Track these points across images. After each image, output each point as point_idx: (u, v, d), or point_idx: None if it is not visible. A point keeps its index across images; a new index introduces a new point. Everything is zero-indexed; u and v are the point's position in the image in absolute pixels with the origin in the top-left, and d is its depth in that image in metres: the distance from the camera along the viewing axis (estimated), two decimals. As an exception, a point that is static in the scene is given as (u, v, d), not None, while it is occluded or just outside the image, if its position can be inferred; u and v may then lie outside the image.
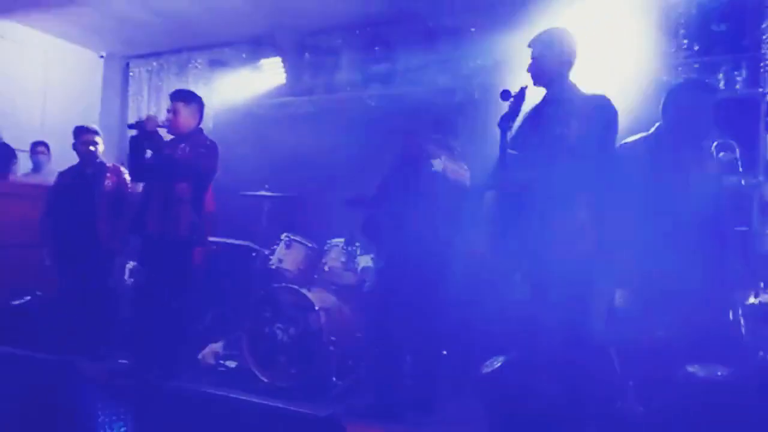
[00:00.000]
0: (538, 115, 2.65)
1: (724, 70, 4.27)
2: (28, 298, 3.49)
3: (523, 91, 2.55)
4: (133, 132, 3.66)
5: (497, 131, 2.70)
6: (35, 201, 4.29)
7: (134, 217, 3.61)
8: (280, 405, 2.11)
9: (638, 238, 2.53)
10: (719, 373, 2.02)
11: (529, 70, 2.68)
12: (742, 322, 2.51)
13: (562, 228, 2.34)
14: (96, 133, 4.31)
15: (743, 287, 3.00)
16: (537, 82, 2.67)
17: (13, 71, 6.25)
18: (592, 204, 2.39)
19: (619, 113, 3.31)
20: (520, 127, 2.69)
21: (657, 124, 2.97)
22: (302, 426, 1.93)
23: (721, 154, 2.78)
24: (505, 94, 2.55)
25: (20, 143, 5.79)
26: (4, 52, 6.21)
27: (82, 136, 4.26)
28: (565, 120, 2.46)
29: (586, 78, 3.26)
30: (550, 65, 2.62)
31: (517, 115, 2.56)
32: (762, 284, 3.17)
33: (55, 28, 6.42)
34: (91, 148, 4.21)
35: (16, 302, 3.52)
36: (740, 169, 3.06)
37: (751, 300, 2.75)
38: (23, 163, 5.74)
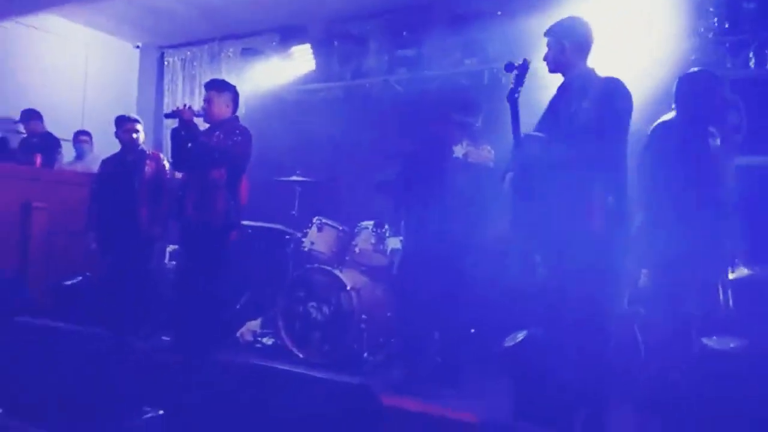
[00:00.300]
0: (557, 101, 2.73)
1: (753, 47, 4.23)
2: (80, 278, 3.74)
3: (525, 63, 2.65)
4: (172, 122, 3.84)
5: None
6: (85, 188, 4.54)
7: (174, 202, 3.79)
8: (317, 374, 2.27)
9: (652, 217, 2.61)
10: (732, 345, 2.09)
11: (545, 59, 2.75)
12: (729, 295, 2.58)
13: (576, 207, 2.42)
14: (137, 121, 4.50)
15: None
16: (552, 69, 2.75)
17: (56, 63, 6.53)
18: (606, 182, 2.46)
19: (648, 93, 3.38)
20: (543, 115, 2.78)
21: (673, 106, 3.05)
22: (336, 392, 2.08)
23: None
24: (509, 67, 2.66)
25: (63, 132, 6.06)
26: (48, 45, 6.48)
27: (125, 124, 4.46)
28: (579, 102, 2.53)
29: (615, 59, 3.30)
30: (564, 53, 2.70)
31: (521, 87, 2.66)
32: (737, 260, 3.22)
33: (94, 21, 6.66)
34: (134, 135, 4.41)
35: (69, 282, 3.77)
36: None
37: (731, 275, 2.82)
38: (67, 152, 6.01)
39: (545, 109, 2.82)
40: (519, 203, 2.63)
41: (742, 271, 2.76)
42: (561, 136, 2.56)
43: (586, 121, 2.51)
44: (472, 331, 3.89)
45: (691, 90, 3.00)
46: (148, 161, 4.42)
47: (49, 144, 5.63)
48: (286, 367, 2.35)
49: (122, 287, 4.04)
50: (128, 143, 4.45)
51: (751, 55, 4.25)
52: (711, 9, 4.33)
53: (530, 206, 2.55)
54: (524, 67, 2.67)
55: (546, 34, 2.79)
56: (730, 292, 2.61)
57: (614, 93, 2.54)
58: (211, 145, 3.70)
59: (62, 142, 5.98)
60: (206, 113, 3.84)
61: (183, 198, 3.72)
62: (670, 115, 3.11)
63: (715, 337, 2.17)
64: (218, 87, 3.92)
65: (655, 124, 3.11)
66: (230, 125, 3.85)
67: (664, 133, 2.93)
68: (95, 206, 4.39)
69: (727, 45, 4.29)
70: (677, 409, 2.16)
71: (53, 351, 2.82)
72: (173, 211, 3.83)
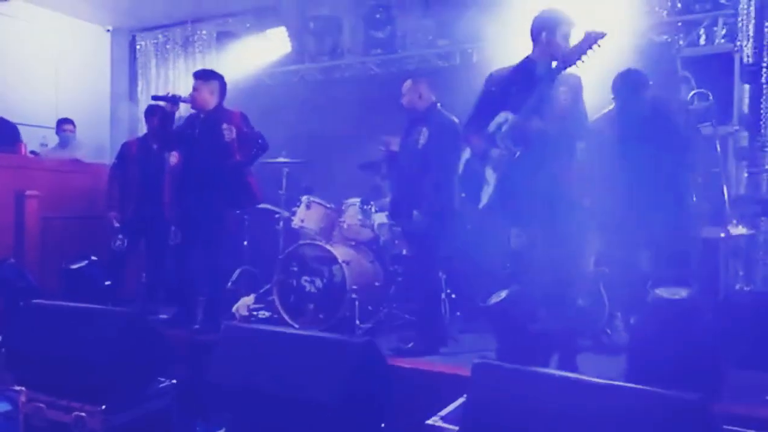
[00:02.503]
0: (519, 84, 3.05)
1: (704, 26, 4.59)
2: (85, 262, 3.94)
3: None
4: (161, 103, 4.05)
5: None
6: (86, 176, 4.71)
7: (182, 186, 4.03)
8: (323, 335, 2.55)
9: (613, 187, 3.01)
10: (681, 294, 2.46)
11: None
12: None
13: (547, 179, 2.78)
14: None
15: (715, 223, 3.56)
16: None
17: (26, 50, 6.48)
18: (568, 158, 2.81)
19: (605, 73, 3.72)
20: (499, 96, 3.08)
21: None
22: (341, 348, 2.36)
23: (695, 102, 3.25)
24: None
25: (37, 119, 6.09)
26: (17, 31, 6.43)
27: (159, 113, 4.59)
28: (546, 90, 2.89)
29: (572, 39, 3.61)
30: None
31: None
32: (735, 221, 3.67)
33: (62, 5, 6.63)
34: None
35: (75, 266, 3.97)
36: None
37: (722, 234, 3.27)
38: (49, 139, 6.04)
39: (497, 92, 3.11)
40: (504, 177, 2.95)
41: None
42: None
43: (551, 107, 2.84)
44: (453, 296, 4.25)
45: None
46: (173, 151, 4.58)
47: (5, 130, 5.59)
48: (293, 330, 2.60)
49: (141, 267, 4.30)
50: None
51: (701, 32, 4.62)
52: (665, -11, 4.67)
53: (510, 182, 2.87)
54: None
55: None
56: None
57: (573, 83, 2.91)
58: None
59: (35, 129, 6.01)
60: (193, 100, 4.04)
61: (185, 184, 3.94)
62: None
63: (665, 288, 2.54)
64: (204, 76, 4.10)
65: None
66: (226, 114, 4.06)
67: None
68: (116, 187, 4.61)
69: (680, 24, 4.65)
70: (636, 349, 2.54)
71: (70, 329, 3.01)
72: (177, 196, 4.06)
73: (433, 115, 3.76)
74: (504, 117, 2.96)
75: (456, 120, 3.67)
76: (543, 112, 2.86)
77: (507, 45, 4.10)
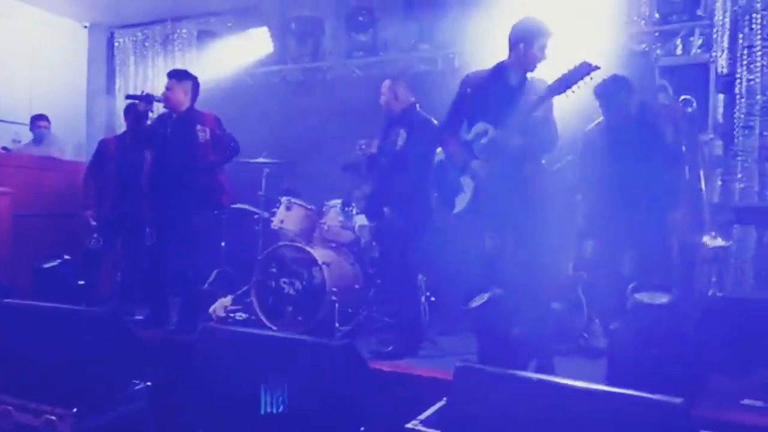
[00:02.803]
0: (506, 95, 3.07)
1: (681, 36, 4.68)
2: (58, 261, 3.85)
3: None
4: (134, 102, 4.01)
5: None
6: (60, 173, 4.60)
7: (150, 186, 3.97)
8: (301, 337, 2.51)
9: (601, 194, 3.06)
10: (661, 300, 2.49)
11: None
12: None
13: (520, 194, 2.84)
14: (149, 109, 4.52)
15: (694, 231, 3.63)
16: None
17: (2, 44, 6.34)
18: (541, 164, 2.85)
19: (585, 83, 3.77)
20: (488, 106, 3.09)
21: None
22: (320, 351, 2.33)
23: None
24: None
25: (9, 115, 5.96)
26: (-6, 25, 6.29)
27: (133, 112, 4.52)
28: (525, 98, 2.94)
29: (553, 49, 3.66)
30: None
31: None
32: (713, 233, 3.74)
33: (39, 0, 6.50)
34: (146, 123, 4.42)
35: (48, 265, 3.88)
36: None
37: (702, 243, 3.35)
38: (22, 135, 5.91)
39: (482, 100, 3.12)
40: (481, 188, 2.96)
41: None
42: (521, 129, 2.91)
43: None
44: (432, 299, 4.24)
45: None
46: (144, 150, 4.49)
47: None
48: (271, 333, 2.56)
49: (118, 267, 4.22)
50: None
51: (678, 42, 4.70)
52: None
53: (490, 189, 2.88)
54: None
55: None
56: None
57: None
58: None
59: (7, 125, 5.89)
60: (167, 99, 4.00)
61: (157, 182, 3.88)
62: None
63: (645, 293, 2.58)
64: (178, 76, 4.07)
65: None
66: (199, 116, 4.03)
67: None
68: (92, 185, 4.54)
69: (657, 34, 4.73)
70: (616, 354, 2.56)
71: (41, 330, 2.94)
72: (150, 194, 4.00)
73: (410, 116, 3.77)
74: (483, 128, 2.99)
75: (435, 121, 3.68)
76: (524, 128, 2.90)
77: (488, 51, 4.11)
